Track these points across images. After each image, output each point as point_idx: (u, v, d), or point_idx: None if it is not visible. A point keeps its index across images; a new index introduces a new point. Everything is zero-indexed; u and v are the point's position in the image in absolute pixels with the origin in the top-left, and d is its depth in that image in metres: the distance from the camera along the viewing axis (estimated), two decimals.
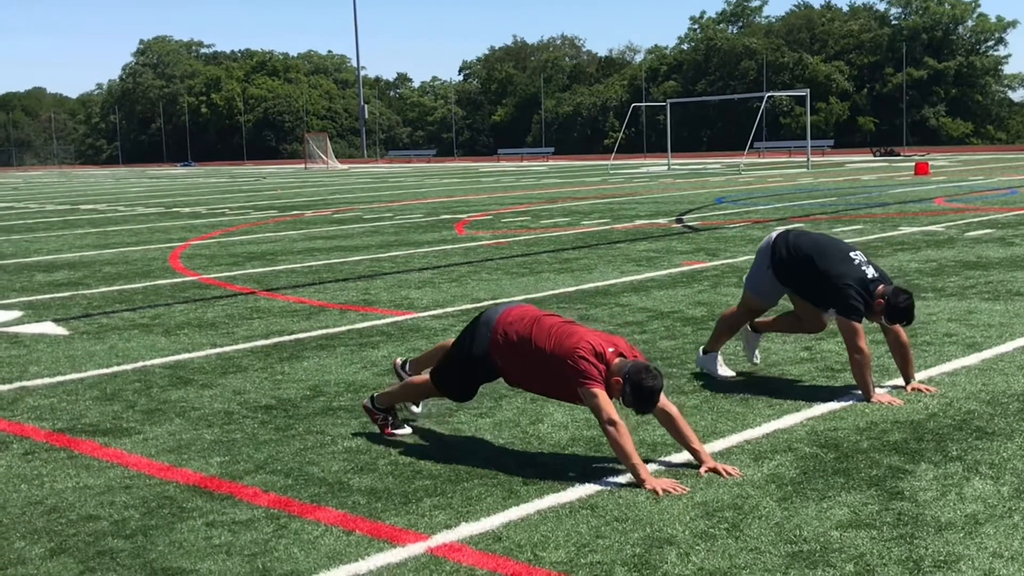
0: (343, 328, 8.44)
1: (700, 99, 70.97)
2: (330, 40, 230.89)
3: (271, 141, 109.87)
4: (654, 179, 35.39)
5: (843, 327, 5.86)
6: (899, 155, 55.68)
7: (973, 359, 6.70)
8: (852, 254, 6.00)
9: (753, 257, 6.58)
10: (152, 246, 16.03)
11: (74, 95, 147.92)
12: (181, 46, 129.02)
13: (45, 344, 8.16)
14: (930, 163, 37.81)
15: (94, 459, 5.18)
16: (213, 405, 6.13)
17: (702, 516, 4.15)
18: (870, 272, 5.90)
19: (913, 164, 37.09)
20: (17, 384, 6.81)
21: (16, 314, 9.67)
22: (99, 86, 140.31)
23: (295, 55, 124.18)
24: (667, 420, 4.81)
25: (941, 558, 3.70)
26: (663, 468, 4.75)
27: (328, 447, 5.25)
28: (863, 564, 3.67)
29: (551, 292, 10.02)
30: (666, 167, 46.70)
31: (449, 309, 9.08)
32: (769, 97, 65.10)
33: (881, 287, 5.83)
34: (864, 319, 5.84)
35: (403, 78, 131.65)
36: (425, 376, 5.51)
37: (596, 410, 4.66)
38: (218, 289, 11.00)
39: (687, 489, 4.46)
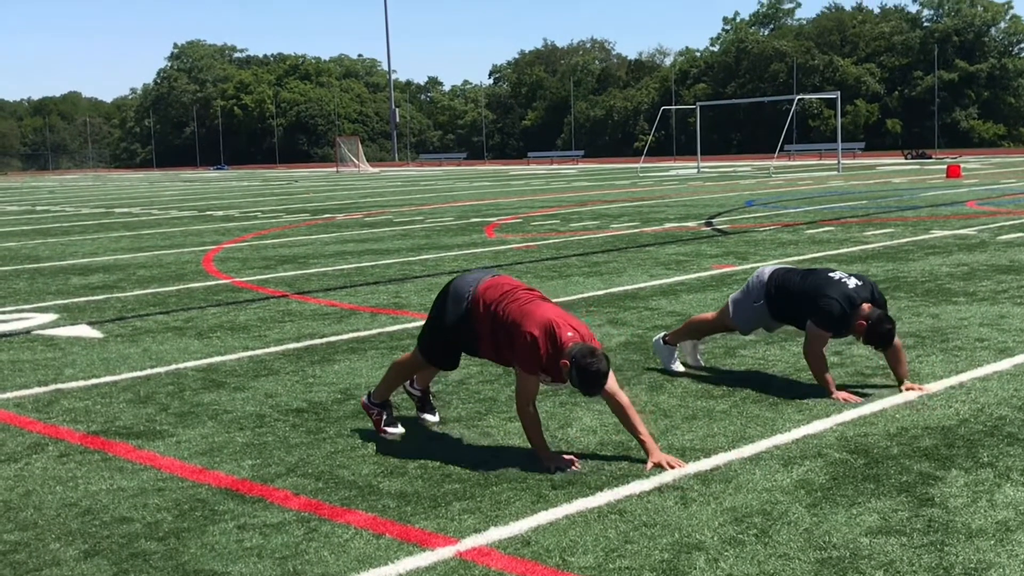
0: (374, 331, 8.49)
1: (730, 102, 70.70)
2: (361, 44, 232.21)
3: (303, 145, 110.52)
4: (683, 182, 35.30)
5: (811, 331, 6.05)
6: (931, 158, 55.23)
7: (1005, 364, 6.65)
8: (831, 274, 6.16)
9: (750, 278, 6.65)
10: (185, 249, 16.18)
11: (109, 99, 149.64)
12: (215, 50, 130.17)
13: (80, 347, 8.27)
14: (962, 166, 37.46)
15: (128, 461, 5.24)
16: (245, 408, 6.19)
17: (731, 522, 4.16)
18: (852, 283, 6.03)
19: (945, 167, 36.78)
20: (53, 386, 6.90)
21: (52, 316, 9.79)
22: (133, 90, 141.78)
23: (327, 59, 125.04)
24: (617, 408, 4.97)
25: (972, 565, 3.68)
26: (691, 474, 4.75)
27: (358, 450, 5.29)
28: (893, 571, 3.66)
29: (580, 295, 10.03)
30: (695, 170, 46.56)
31: None
32: (799, 99, 64.75)
33: (867, 307, 5.92)
34: (836, 335, 6.04)
35: (434, 82, 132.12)
36: (408, 353, 5.68)
37: (518, 390, 4.98)
38: (250, 292, 11.09)
39: (580, 466, 4.82)
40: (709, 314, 6.95)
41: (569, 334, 4.85)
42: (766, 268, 6.53)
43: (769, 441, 5.19)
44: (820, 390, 6.14)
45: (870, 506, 4.27)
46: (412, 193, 33.75)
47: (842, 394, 5.95)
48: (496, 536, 4.08)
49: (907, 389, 6.03)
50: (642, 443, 4.92)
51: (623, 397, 4.98)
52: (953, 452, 4.93)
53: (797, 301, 6.15)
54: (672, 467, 4.77)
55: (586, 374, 4.74)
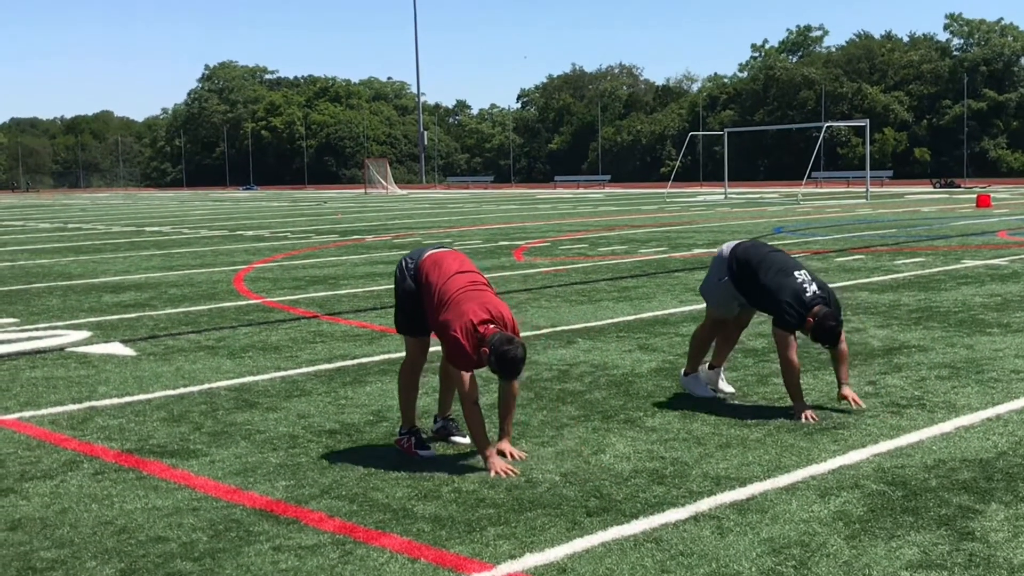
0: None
1: (758, 128, 70.64)
2: (391, 67, 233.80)
3: (332, 166, 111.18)
4: (711, 208, 35.24)
5: (777, 336, 6.31)
6: (959, 187, 54.89)
7: None
8: (796, 272, 6.36)
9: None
10: (216, 269, 16.28)
11: (140, 119, 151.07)
12: (246, 72, 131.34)
13: (113, 365, 8.32)
14: (991, 195, 37.21)
15: (162, 480, 5.26)
16: (278, 428, 6.21)
17: (768, 553, 4.12)
18: (811, 289, 6.26)
19: (974, 196, 36.54)
20: (87, 404, 6.95)
21: (85, 334, 9.87)
22: (165, 110, 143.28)
23: (357, 82, 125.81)
24: (505, 396, 5.47)
25: None
26: (726, 503, 4.72)
27: (392, 473, 5.29)
28: None
29: (610, 320, 10.01)
30: (723, 196, 46.47)
31: None
32: (828, 127, 64.59)
33: (817, 307, 6.18)
34: (798, 331, 6.28)
35: (462, 105, 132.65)
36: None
37: (459, 390, 5.33)
38: (281, 312, 11.14)
39: (518, 472, 5.16)
40: (703, 324, 7.06)
41: (491, 327, 5.25)
42: (727, 244, 6.77)
43: (805, 471, 5.15)
44: (854, 420, 6.10)
45: (910, 539, 4.23)
46: (440, 215, 33.84)
47: (808, 412, 6.17)
48: (532, 563, 4.07)
49: (842, 397, 6.31)
50: (503, 430, 5.52)
51: (516, 388, 5.48)
52: (992, 485, 4.87)
53: (758, 290, 6.41)
54: (514, 456, 5.38)
55: (504, 360, 5.15)
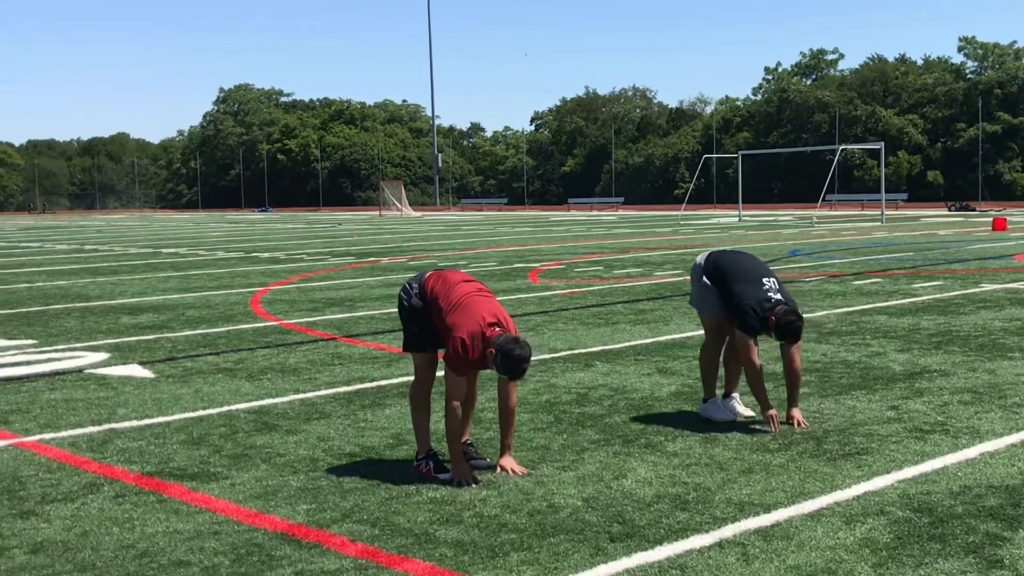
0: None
1: (772, 151, 70.54)
2: (406, 90, 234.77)
3: (347, 188, 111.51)
4: (725, 230, 35.19)
5: (738, 339, 6.62)
6: (974, 210, 54.70)
7: None
8: (764, 280, 6.64)
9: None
10: (233, 290, 16.32)
11: (156, 141, 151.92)
12: (261, 94, 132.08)
13: (132, 386, 8.33)
14: (1007, 219, 37.07)
15: (183, 503, 5.25)
16: (298, 451, 6.20)
17: None
18: (775, 297, 6.53)
19: (990, 219, 36.41)
20: (106, 426, 6.95)
21: (103, 356, 9.89)
22: (180, 132, 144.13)
23: (371, 104, 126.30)
24: (503, 408, 5.61)
25: None
26: (751, 530, 4.68)
27: (413, 497, 5.27)
28: None
29: (628, 343, 9.98)
30: (737, 218, 46.43)
31: None
32: (842, 150, 64.53)
33: (779, 308, 6.45)
34: (762, 335, 6.55)
35: (476, 128, 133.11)
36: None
37: (448, 391, 5.52)
38: (299, 335, 11.15)
39: (480, 481, 5.39)
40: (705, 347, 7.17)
41: (497, 329, 5.43)
42: (702, 254, 7.07)
43: (829, 497, 5.11)
44: (877, 445, 6.05)
45: (937, 567, 4.18)
46: (455, 237, 33.89)
47: (772, 412, 6.47)
48: None
49: (789, 417, 6.58)
50: (504, 445, 5.65)
51: (514, 399, 5.64)
52: (1020, 512, 4.82)
53: (727, 294, 6.68)
54: (517, 472, 5.53)
55: (509, 359, 5.32)
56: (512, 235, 34.76)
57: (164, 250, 29.16)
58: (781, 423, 6.56)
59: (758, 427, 6.60)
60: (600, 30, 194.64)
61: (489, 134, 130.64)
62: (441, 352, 5.76)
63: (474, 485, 5.38)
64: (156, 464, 5.99)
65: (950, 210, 55.66)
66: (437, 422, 6.26)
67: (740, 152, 53.20)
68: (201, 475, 5.74)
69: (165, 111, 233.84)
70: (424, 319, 5.79)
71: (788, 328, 6.42)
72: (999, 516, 4.78)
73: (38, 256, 27.66)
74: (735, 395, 7.00)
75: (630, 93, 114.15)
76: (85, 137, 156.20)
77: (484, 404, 7.10)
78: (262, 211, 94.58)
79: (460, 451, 5.55)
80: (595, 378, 8.29)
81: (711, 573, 4.17)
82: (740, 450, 6.05)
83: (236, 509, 5.13)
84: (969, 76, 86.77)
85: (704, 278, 6.88)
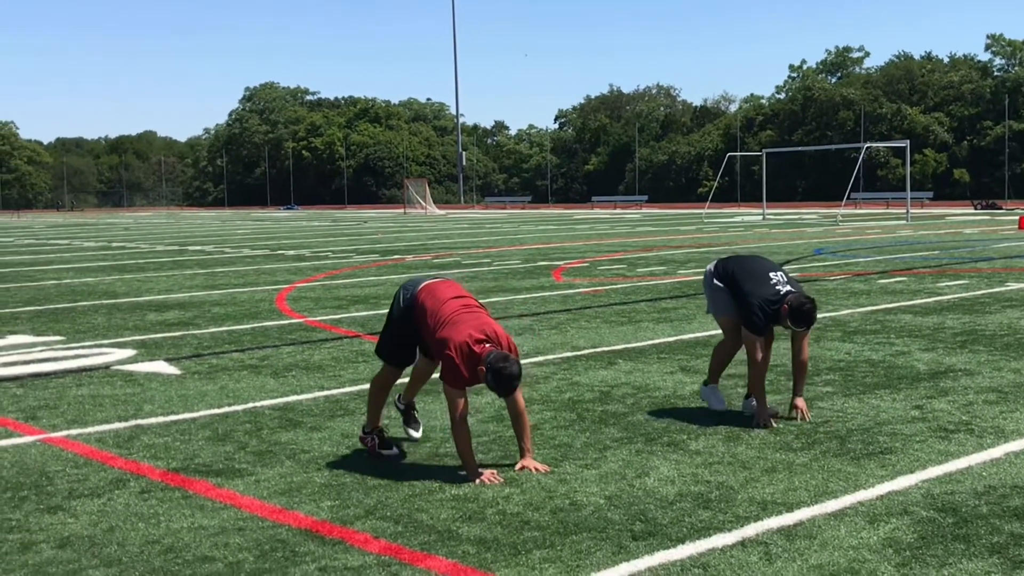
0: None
1: (797, 149, 70.19)
2: (431, 88, 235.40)
3: (371, 186, 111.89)
4: (749, 228, 35.07)
5: (745, 337, 6.71)
6: (1000, 208, 54.24)
7: None
8: (771, 274, 6.75)
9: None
10: (259, 288, 16.41)
11: (183, 139, 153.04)
12: (287, 92, 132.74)
13: (158, 383, 8.40)
14: None
15: (208, 499, 5.30)
16: (322, 448, 6.24)
17: None
18: (783, 289, 6.63)
19: (1016, 218, 36.08)
20: (133, 422, 7.01)
21: (130, 352, 9.97)
22: (207, 130, 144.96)
23: (396, 103, 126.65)
24: (513, 414, 5.65)
25: None
26: (774, 529, 4.67)
27: (436, 494, 5.29)
28: None
29: (651, 341, 9.97)
30: (761, 216, 46.25)
31: (550, 356, 9.09)
32: (867, 148, 64.19)
33: (791, 296, 6.55)
34: (777, 327, 6.70)
35: (500, 126, 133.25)
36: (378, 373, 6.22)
37: (450, 408, 5.52)
38: (324, 332, 11.20)
39: (502, 479, 5.39)
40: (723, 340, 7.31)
41: (487, 346, 5.45)
42: (711, 264, 7.18)
43: (853, 497, 5.09)
44: (901, 445, 6.03)
45: (962, 567, 4.17)
46: (479, 235, 33.93)
47: (765, 416, 6.53)
48: None
49: (793, 407, 6.69)
50: (521, 448, 5.69)
51: (521, 405, 5.65)
52: None
53: (736, 296, 6.79)
54: (539, 471, 5.54)
55: (500, 377, 5.35)
56: (536, 233, 34.76)
57: (190, 247, 29.34)
58: (783, 417, 6.72)
59: (781, 425, 6.58)
60: (625, 28, 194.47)
61: (513, 132, 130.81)
62: (409, 368, 6.11)
63: (497, 482, 5.41)
64: (181, 460, 6.04)
65: (976, 208, 55.24)
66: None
67: (764, 150, 52.98)
68: (226, 471, 5.79)
69: (192, 109, 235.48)
70: (404, 330, 5.94)
71: (801, 312, 6.49)
72: (1023, 516, 4.75)
73: (66, 253, 27.90)
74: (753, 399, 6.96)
75: (654, 91, 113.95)
76: (113, 135, 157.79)
77: (498, 410, 7.11)
78: (288, 209, 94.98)
79: (474, 464, 5.55)
80: (618, 376, 8.30)
81: (733, 572, 4.17)
82: (763, 449, 6.04)
83: (260, 505, 5.17)
84: (996, 74, 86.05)
85: (715, 280, 6.99)
